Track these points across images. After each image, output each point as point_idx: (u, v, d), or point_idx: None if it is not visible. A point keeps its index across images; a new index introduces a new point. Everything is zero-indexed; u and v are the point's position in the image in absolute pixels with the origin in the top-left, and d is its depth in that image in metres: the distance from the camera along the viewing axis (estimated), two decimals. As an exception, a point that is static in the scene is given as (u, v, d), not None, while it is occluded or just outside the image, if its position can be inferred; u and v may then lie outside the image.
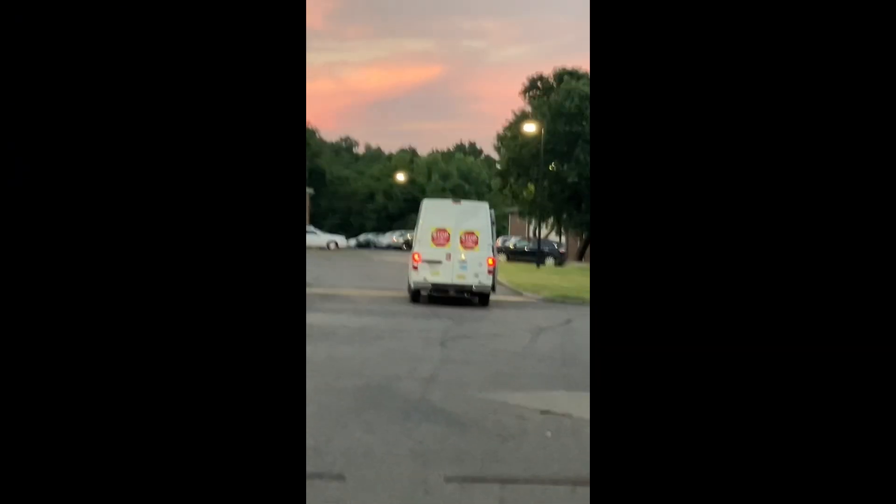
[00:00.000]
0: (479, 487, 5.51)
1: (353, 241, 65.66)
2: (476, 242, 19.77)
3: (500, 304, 21.06)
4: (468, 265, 19.60)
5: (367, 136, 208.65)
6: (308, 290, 21.78)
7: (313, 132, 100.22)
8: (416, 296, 20.11)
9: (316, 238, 54.91)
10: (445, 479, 5.64)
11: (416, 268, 19.78)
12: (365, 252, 55.39)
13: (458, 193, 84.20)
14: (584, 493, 5.52)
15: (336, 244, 55.60)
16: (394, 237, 64.49)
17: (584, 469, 6.08)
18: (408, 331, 14.26)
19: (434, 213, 20.27)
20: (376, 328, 14.36)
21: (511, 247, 50.78)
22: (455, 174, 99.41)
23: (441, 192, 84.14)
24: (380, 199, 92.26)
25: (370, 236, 70.81)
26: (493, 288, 20.00)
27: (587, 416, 7.70)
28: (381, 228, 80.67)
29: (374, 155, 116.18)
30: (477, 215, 20.24)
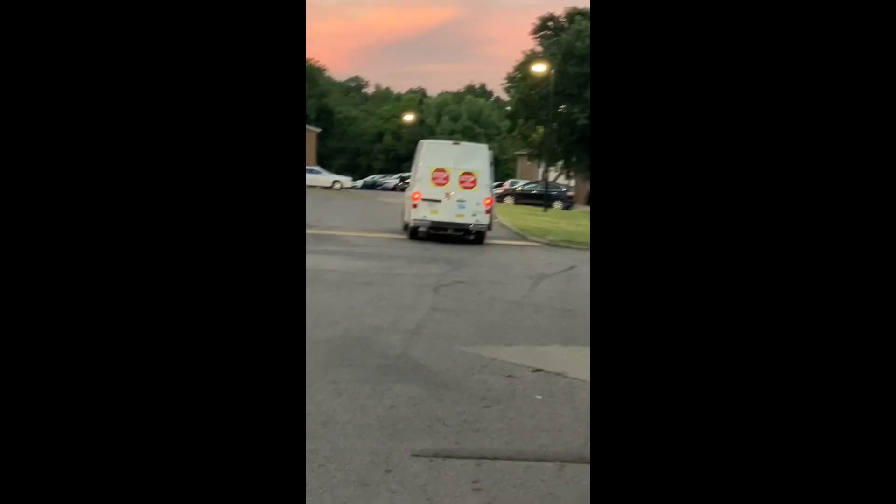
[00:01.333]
0: (451, 465, 4.72)
1: (359, 182, 64.86)
2: (474, 183, 20.12)
3: (502, 248, 20.32)
4: (466, 204, 20.00)
5: (377, 77, 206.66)
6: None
7: (322, 71, 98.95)
8: (413, 233, 20.41)
9: (320, 178, 54.42)
10: (413, 454, 4.85)
11: (415, 206, 20.14)
12: (370, 193, 54.56)
13: (467, 135, 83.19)
14: (573, 472, 4.74)
15: (341, 184, 54.92)
16: (401, 178, 63.55)
17: (575, 441, 5.31)
18: (401, 276, 13.46)
19: (434, 153, 20.72)
20: (368, 272, 13.56)
21: (518, 190, 49.87)
22: (465, 115, 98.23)
23: (451, 134, 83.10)
24: (388, 140, 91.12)
25: (377, 177, 69.89)
26: (489, 227, 20.50)
27: (583, 375, 6.89)
28: (389, 170, 79.51)
29: (384, 95, 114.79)
30: (476, 156, 20.65)
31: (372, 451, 4.83)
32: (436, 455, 4.86)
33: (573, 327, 9.62)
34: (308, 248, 17.11)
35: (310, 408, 5.60)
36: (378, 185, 64.79)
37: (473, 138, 77.68)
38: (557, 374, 7.13)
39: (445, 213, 19.95)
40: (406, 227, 21.47)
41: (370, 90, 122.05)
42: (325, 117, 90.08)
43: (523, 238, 23.59)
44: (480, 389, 6.49)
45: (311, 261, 14.57)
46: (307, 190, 41.24)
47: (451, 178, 20.04)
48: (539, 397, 6.40)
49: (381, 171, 77.73)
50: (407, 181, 24.60)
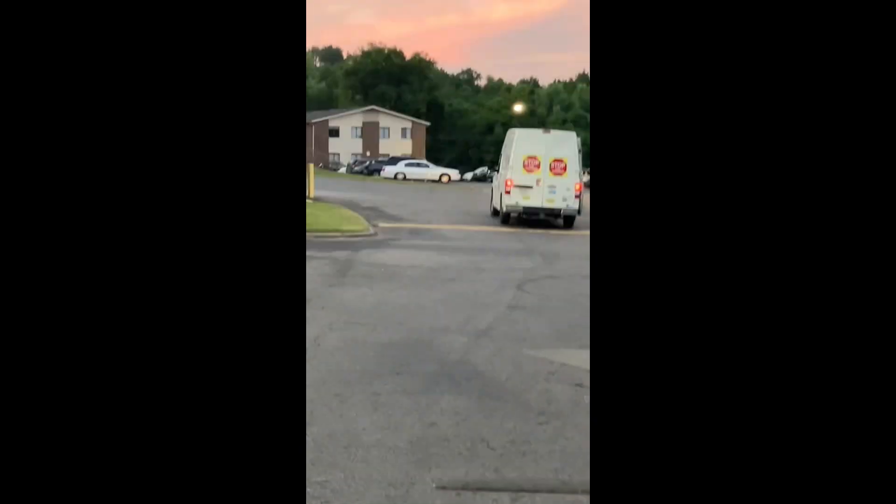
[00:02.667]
0: (481, 501, 4.00)
1: (468, 175, 64.68)
2: (564, 169, 21.08)
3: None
4: (557, 190, 21.04)
5: (489, 69, 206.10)
6: (398, 225, 20.66)
7: (432, 65, 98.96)
8: (506, 218, 21.51)
9: (428, 171, 54.90)
10: (438, 486, 4.15)
11: (508, 192, 21.19)
12: (477, 185, 54.00)
13: (579, 125, 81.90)
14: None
15: (448, 177, 54.94)
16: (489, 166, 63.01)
17: (639, 468, 4.51)
18: (487, 271, 12.73)
19: (525, 141, 21.86)
20: (453, 267, 12.89)
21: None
22: (577, 105, 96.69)
23: (562, 124, 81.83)
24: (498, 132, 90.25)
25: (486, 170, 69.36)
26: (578, 211, 21.44)
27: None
28: (499, 162, 78.81)
29: (495, 86, 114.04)
30: (565, 144, 21.48)
31: (391, 483, 4.15)
32: (465, 487, 4.15)
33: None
34: (399, 242, 16.65)
35: (337, 425, 4.97)
36: (488, 178, 64.14)
37: (586, 127, 76.30)
38: (634, 383, 6.31)
39: (537, 199, 21.01)
40: (495, 212, 22.99)
41: (482, 82, 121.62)
42: (436, 111, 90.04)
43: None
44: (540, 402, 5.73)
45: (397, 256, 14.02)
46: (415, 184, 41.01)
47: (541, 165, 21.03)
48: (607, 411, 5.60)
49: (491, 164, 77.01)
50: (496, 170, 25.44)
